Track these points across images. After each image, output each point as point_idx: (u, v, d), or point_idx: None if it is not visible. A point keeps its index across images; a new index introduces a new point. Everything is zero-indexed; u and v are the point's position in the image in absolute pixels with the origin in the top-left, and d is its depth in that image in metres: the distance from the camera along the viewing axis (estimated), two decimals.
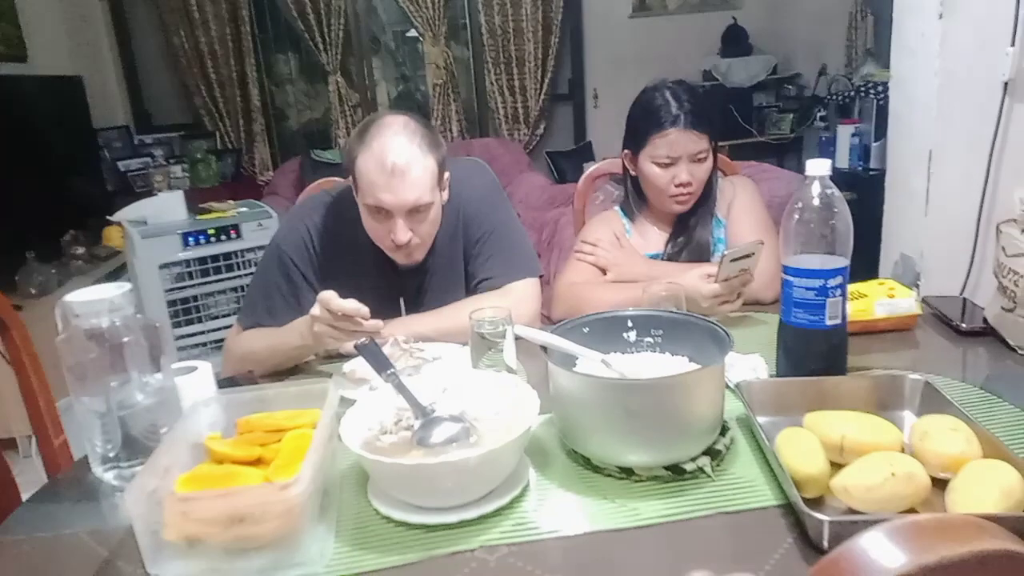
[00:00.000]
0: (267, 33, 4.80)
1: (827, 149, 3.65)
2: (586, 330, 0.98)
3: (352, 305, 1.09)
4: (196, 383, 1.02)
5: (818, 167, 0.96)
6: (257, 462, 0.88)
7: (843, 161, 3.44)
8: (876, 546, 0.34)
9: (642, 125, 1.46)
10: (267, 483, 0.79)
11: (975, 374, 1.10)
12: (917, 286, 1.50)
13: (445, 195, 1.33)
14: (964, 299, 1.36)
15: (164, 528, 0.73)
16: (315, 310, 1.12)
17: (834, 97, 3.94)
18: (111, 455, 0.91)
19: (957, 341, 1.21)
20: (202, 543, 0.73)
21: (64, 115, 3.62)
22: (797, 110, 4.59)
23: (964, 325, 1.21)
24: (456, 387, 0.94)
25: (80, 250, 3.28)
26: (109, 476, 0.92)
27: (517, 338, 1.01)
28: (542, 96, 4.87)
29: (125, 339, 0.89)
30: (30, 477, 1.24)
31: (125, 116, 4.65)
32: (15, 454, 2.35)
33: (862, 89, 3.43)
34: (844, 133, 3.45)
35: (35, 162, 3.27)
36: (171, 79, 4.72)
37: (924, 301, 1.28)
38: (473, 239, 1.40)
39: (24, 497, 1.07)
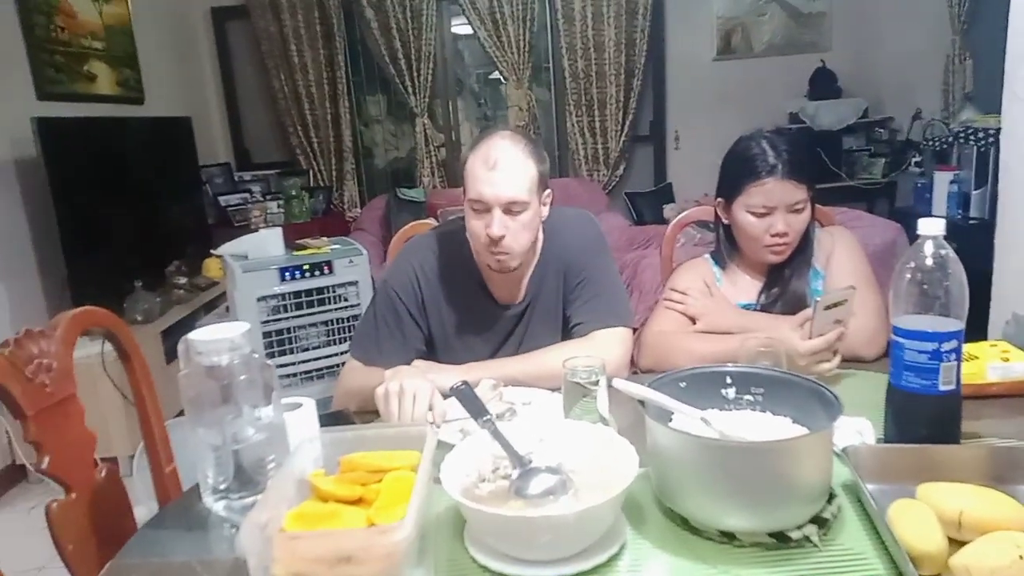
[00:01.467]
0: (360, 76, 5.03)
1: (923, 195, 3.52)
2: (683, 384, 0.97)
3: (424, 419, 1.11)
4: (301, 420, 1.06)
5: (931, 226, 0.93)
6: (359, 501, 0.90)
7: (940, 209, 3.31)
8: None
9: (737, 174, 1.45)
10: (372, 527, 0.81)
11: None
12: None
13: (545, 211, 1.38)
14: None
15: (274, 564, 0.76)
16: (406, 386, 1.13)
17: (930, 142, 3.81)
18: (222, 487, 0.95)
19: None
20: None
21: (173, 153, 3.88)
22: (889, 154, 4.45)
23: None
24: (552, 437, 0.94)
25: (182, 280, 3.47)
26: (219, 507, 0.96)
27: (609, 387, 1.01)
28: (623, 137, 4.89)
29: (242, 377, 0.94)
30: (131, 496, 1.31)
31: (227, 154, 4.95)
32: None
33: (961, 135, 3.29)
34: (942, 180, 3.32)
35: (146, 196, 3.51)
36: (270, 119, 5.00)
37: None
38: (572, 284, 1.44)
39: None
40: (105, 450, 2.57)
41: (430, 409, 1.14)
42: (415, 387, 1.14)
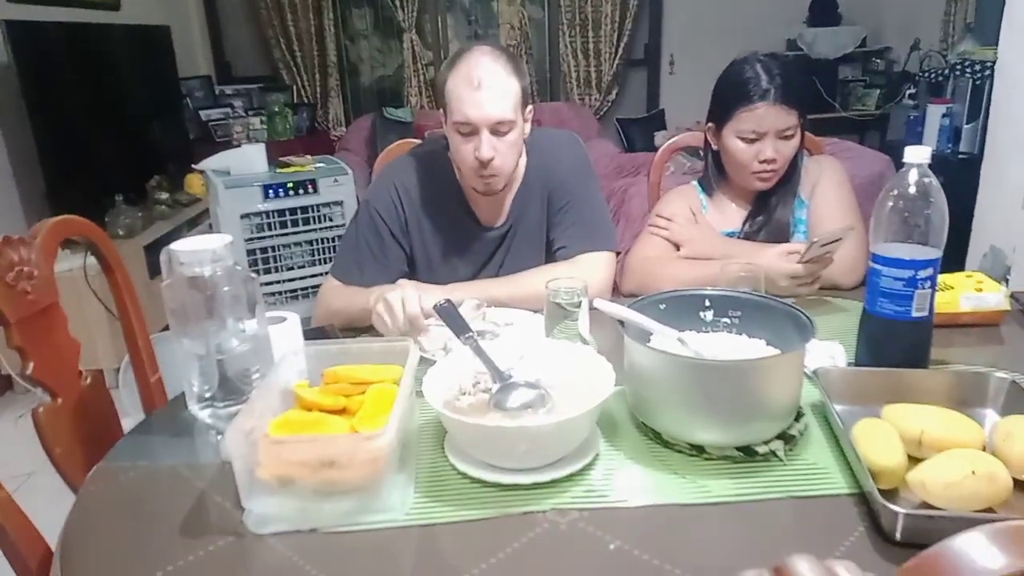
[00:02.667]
0: None
1: (914, 129, 3.49)
2: (663, 307, 0.98)
3: (419, 319, 1.12)
4: (285, 333, 1.07)
5: (917, 154, 0.93)
6: (342, 411, 0.93)
7: (931, 142, 3.28)
8: (976, 547, 0.35)
9: (729, 98, 1.43)
10: (356, 432, 0.84)
11: None
12: (1007, 280, 1.44)
13: (527, 128, 1.36)
14: None
15: (259, 467, 0.78)
16: (392, 297, 1.14)
17: (926, 74, 3.75)
18: (207, 395, 0.97)
19: None
20: (293, 484, 0.79)
21: (150, 63, 3.75)
22: (884, 85, 4.39)
23: None
24: (532, 355, 0.96)
25: (164, 195, 3.42)
26: (204, 415, 0.98)
27: (591, 309, 1.03)
28: (616, 61, 4.78)
29: (225, 288, 0.94)
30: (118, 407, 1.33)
31: (207, 66, 4.79)
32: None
33: (957, 67, 3.24)
34: (934, 113, 3.29)
35: (123, 108, 3.41)
36: (251, 31, 4.82)
37: (1013, 297, 1.24)
38: (556, 207, 1.43)
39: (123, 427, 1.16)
40: (91, 363, 2.59)
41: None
42: (403, 294, 1.14)
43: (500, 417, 0.85)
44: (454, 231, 1.41)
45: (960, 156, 3.21)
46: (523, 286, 1.31)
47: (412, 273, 1.43)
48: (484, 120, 1.26)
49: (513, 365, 0.94)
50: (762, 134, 1.40)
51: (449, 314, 1.02)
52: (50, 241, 1.04)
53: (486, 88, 1.25)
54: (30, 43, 2.70)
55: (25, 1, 3.00)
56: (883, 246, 0.96)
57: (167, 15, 4.11)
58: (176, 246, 0.93)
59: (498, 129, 1.27)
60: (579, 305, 1.04)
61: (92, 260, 1.20)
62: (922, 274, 0.93)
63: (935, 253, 0.94)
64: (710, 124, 1.50)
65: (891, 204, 0.94)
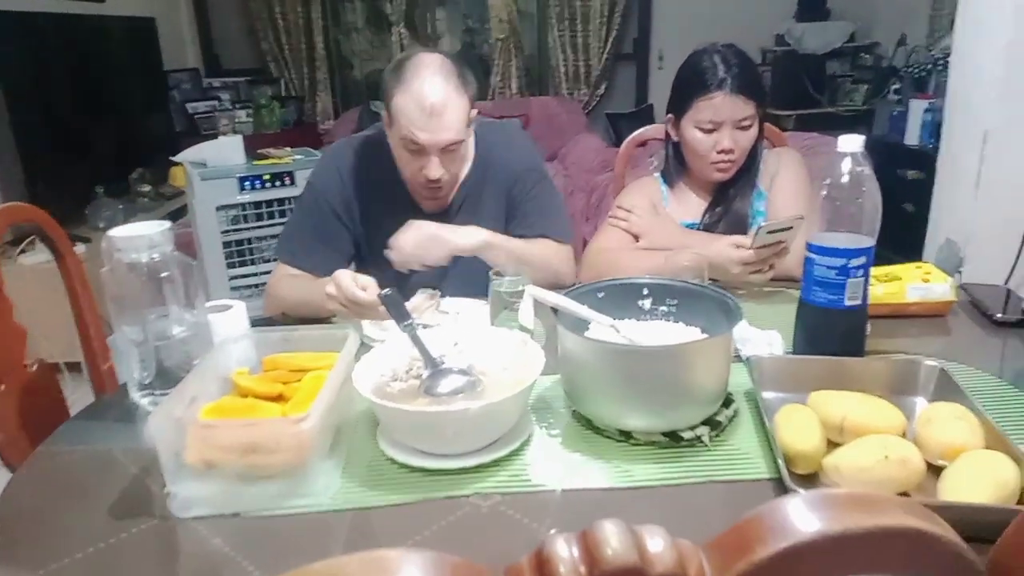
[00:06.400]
0: None
1: (898, 124, 3.48)
2: (601, 295, 0.99)
3: (365, 296, 1.10)
4: (230, 321, 1.07)
5: (850, 143, 0.93)
6: (278, 398, 0.93)
7: (913, 138, 3.28)
8: (795, 510, 0.35)
9: (687, 88, 1.44)
10: (281, 417, 0.84)
11: (1005, 367, 1.07)
12: (959, 272, 1.45)
13: (470, 131, 1.37)
14: (1008, 289, 1.31)
15: (186, 451, 0.79)
16: (330, 288, 1.14)
17: (910, 69, 3.74)
18: (146, 382, 0.97)
19: (992, 332, 1.17)
20: (219, 468, 0.79)
21: (137, 55, 3.75)
22: (871, 81, 4.38)
23: (1000, 315, 1.17)
24: (467, 342, 0.97)
25: (147, 188, 3.42)
26: (144, 402, 0.98)
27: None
28: (605, 55, 4.77)
29: (163, 274, 0.94)
30: (78, 397, 1.34)
31: (195, 59, 4.78)
32: (78, 376, 2.51)
33: (940, 61, 3.24)
34: (917, 108, 3.28)
35: (108, 100, 3.41)
36: (240, 24, 4.81)
37: (962, 288, 1.24)
38: (518, 201, 1.45)
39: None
40: (72, 355, 2.60)
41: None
42: (342, 284, 1.12)
43: (428, 403, 0.86)
44: (397, 216, 1.40)
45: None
46: (532, 253, 1.36)
47: (357, 255, 1.44)
48: (435, 144, 1.26)
49: (447, 352, 0.94)
50: (719, 124, 1.40)
51: (392, 301, 1.03)
52: None
53: (438, 114, 1.23)
54: (11, 33, 2.70)
55: None
56: (817, 235, 0.96)
57: (154, 7, 4.10)
58: (114, 232, 0.94)
59: (447, 149, 1.28)
60: (520, 295, 1.05)
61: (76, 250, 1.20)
62: (854, 262, 0.94)
63: (868, 241, 0.94)
64: (670, 115, 1.51)
65: (824, 193, 0.95)
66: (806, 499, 0.35)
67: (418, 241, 1.27)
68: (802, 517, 0.35)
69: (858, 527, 0.33)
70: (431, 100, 1.23)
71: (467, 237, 1.30)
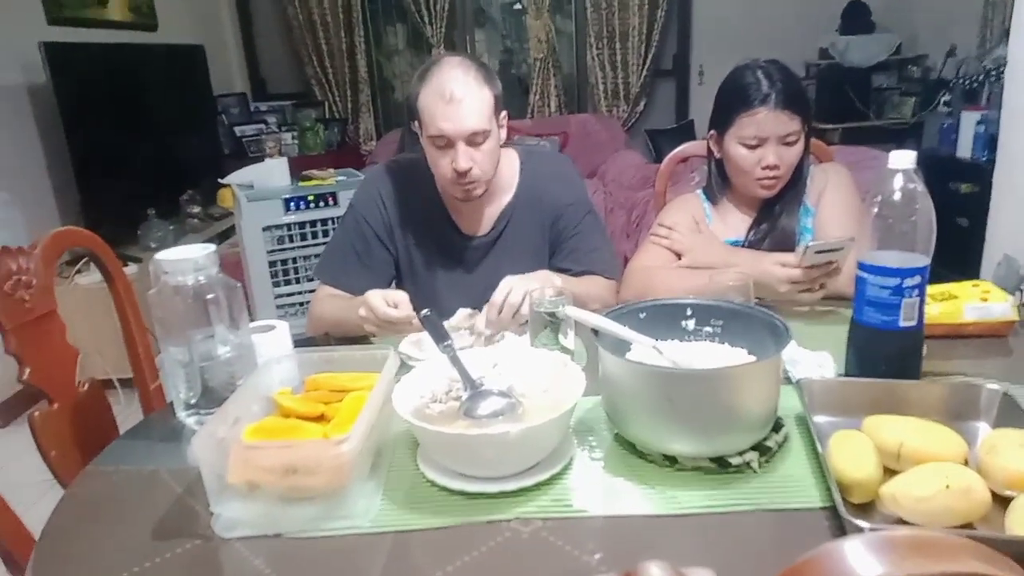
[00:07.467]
0: (376, 5, 4.92)
1: (948, 137, 3.39)
2: (643, 315, 0.97)
3: (397, 314, 1.13)
4: (273, 341, 1.09)
5: (902, 159, 0.90)
6: (320, 418, 0.94)
7: (965, 150, 3.18)
8: (854, 553, 0.34)
9: (730, 104, 1.42)
10: (322, 439, 0.84)
11: None
12: (1021, 291, 1.38)
13: (503, 133, 1.38)
14: None
15: (228, 472, 0.79)
16: (362, 311, 1.17)
17: (961, 80, 3.64)
18: (192, 402, 0.99)
19: None
20: (261, 489, 0.80)
21: (187, 81, 3.88)
22: (920, 93, 4.28)
23: None
24: (507, 363, 0.96)
25: (196, 209, 3.52)
26: (190, 421, 1.00)
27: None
28: (644, 72, 4.76)
29: (208, 296, 0.96)
30: (131, 412, 1.37)
31: (242, 84, 4.93)
32: (130, 392, 2.57)
33: (992, 72, 3.14)
34: (968, 120, 3.19)
35: (159, 125, 3.52)
36: (285, 49, 4.94)
37: (1023, 306, 1.19)
38: (565, 234, 1.46)
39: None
40: (126, 371, 2.67)
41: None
42: (373, 305, 1.15)
43: (468, 425, 0.85)
44: (436, 239, 1.43)
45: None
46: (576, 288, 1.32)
47: (398, 280, 1.45)
48: (459, 133, 1.28)
49: (487, 373, 0.94)
50: (764, 140, 1.38)
51: (431, 323, 1.03)
52: (49, 252, 1.07)
53: (459, 101, 1.26)
54: (68, 64, 2.82)
55: (65, 23, 3.14)
56: (869, 253, 0.93)
57: (203, 34, 4.25)
58: (161, 255, 0.96)
59: (473, 140, 1.29)
60: (561, 315, 1.04)
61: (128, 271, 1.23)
62: (909, 282, 0.90)
63: (923, 260, 0.90)
64: (712, 132, 1.49)
65: (876, 211, 0.91)
66: (866, 542, 0.33)
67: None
68: (863, 562, 0.33)
69: (922, 574, 0.31)
70: (451, 88, 1.26)
71: (544, 283, 1.28)
